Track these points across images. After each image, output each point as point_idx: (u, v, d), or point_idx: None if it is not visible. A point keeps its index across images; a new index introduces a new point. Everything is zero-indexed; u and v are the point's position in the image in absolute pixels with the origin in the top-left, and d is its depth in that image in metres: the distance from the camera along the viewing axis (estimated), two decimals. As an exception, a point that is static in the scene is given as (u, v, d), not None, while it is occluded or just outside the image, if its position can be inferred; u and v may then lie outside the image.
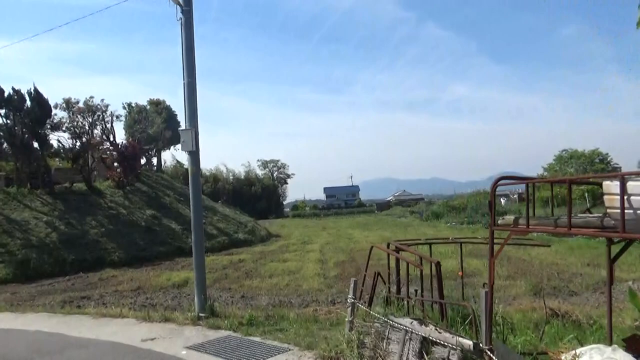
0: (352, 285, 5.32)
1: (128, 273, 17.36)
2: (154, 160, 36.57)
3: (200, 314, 7.51)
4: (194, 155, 7.75)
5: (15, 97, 22.19)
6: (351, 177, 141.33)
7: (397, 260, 6.28)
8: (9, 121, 22.45)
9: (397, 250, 6.28)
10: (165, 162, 36.17)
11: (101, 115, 25.63)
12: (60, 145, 24.46)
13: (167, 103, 36.69)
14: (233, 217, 31.52)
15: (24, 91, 22.55)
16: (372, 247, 7.14)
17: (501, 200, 58.62)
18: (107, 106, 25.81)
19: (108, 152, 27.12)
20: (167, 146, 35.57)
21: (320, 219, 74.92)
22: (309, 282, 12.90)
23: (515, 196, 69.97)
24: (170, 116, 35.38)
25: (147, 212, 25.54)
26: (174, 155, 51.29)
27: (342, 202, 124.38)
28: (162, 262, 20.60)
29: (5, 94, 22.07)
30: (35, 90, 22.88)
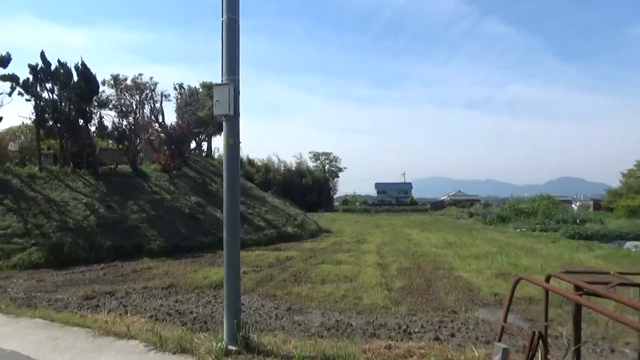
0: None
1: (164, 265, 15.62)
2: (204, 146, 35.20)
3: (230, 347, 5.29)
4: (232, 121, 5.52)
5: (62, 70, 21.09)
6: (404, 174, 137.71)
7: (578, 308, 3.46)
8: (54, 96, 21.41)
9: (580, 289, 3.30)
10: (217, 150, 34.82)
11: (149, 94, 24.27)
12: (106, 125, 23.29)
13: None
14: (282, 209, 29.54)
15: (70, 65, 21.43)
16: (517, 280, 4.08)
17: (573, 206, 53.77)
18: (155, 84, 24.43)
19: (155, 134, 25.80)
20: (217, 131, 34.06)
21: (372, 215, 72.71)
22: (370, 295, 10.49)
23: (590, 202, 64.36)
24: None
25: (191, 198, 23.96)
26: (217, 148, 50.76)
27: (393, 199, 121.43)
28: (203, 254, 18.85)
29: (52, 68, 20.99)
30: (83, 64, 21.71)
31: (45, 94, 21.30)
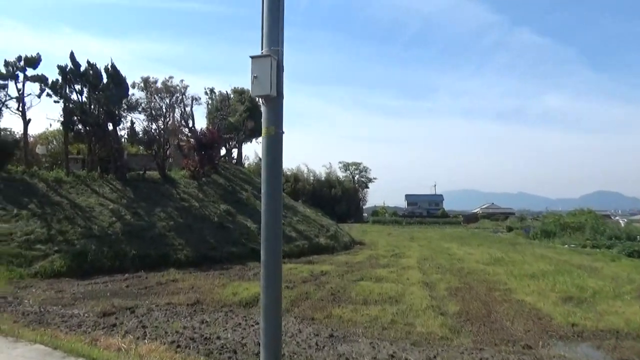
0: None
1: (191, 278, 14.51)
2: (234, 153, 34.32)
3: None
4: (274, 104, 4.27)
5: (91, 72, 20.51)
6: (434, 185, 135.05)
7: None
8: (83, 98, 20.84)
9: None
10: (247, 158, 33.96)
11: (180, 98, 23.51)
12: (136, 129, 22.58)
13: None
14: (314, 219, 28.27)
15: (100, 66, 20.83)
16: None
17: (619, 220, 50.63)
18: (186, 87, 23.65)
19: (185, 139, 25.01)
20: (248, 138, 33.22)
21: (403, 227, 70.86)
22: (423, 321, 9.04)
23: (631, 216, 60.79)
24: (254, 107, 32.92)
25: (221, 206, 22.94)
26: (256, 152, 48.83)
27: (424, 210, 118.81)
28: (232, 265, 17.73)
29: (81, 69, 20.43)
30: (113, 66, 21.11)
31: (74, 96, 20.76)
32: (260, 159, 52.70)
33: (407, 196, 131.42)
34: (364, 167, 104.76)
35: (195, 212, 21.48)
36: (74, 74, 20.34)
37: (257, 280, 14.25)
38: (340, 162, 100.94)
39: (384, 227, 63.83)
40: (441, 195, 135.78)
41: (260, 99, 4.31)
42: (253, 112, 31.85)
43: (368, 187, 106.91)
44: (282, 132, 4.26)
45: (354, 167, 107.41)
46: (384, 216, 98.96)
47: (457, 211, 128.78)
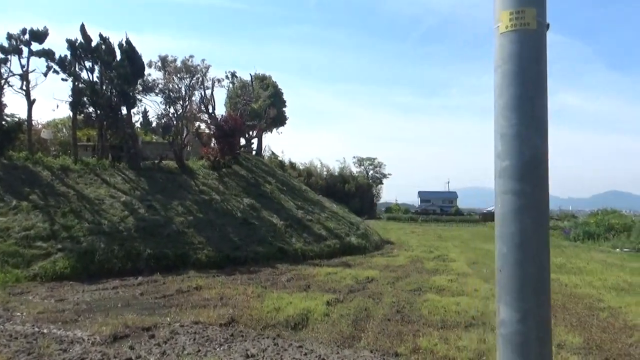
0: None
1: (216, 284, 12.24)
2: (254, 143, 31.86)
3: None
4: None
5: (103, 47, 18.19)
6: (448, 182, 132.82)
7: None
8: (94, 77, 18.57)
9: None
10: (268, 148, 31.67)
11: (200, 79, 21.11)
12: (150, 115, 20.30)
13: (273, 79, 32.17)
14: (343, 216, 25.91)
15: (113, 42, 18.51)
16: None
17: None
18: (207, 67, 21.21)
19: (205, 125, 22.76)
20: (269, 128, 30.83)
21: (420, 224, 68.87)
22: None
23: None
24: (276, 93, 30.66)
25: (244, 200, 20.65)
26: (269, 147, 46.15)
27: (437, 207, 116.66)
28: (260, 267, 15.48)
29: (93, 44, 18.12)
30: (128, 42, 18.79)
31: (84, 74, 18.50)
32: (272, 153, 48.90)
33: (420, 193, 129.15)
34: (379, 162, 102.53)
35: (216, 206, 19.20)
36: (84, 49, 18.04)
37: (296, 289, 11.96)
38: (354, 157, 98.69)
39: (401, 225, 61.83)
40: (455, 193, 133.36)
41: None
42: (276, 99, 29.49)
43: (382, 183, 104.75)
44: (547, 25, 1.85)
45: (368, 162, 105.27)
46: (398, 213, 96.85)
47: (469, 209, 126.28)
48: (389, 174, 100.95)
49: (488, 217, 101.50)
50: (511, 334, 1.75)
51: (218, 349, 6.98)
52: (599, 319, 9.41)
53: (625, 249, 27.06)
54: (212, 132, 22.86)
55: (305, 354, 6.73)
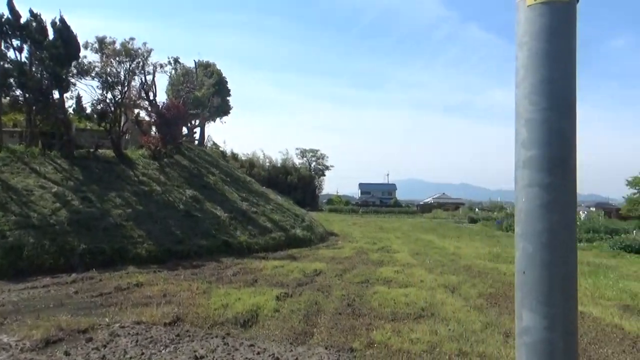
0: None
1: (159, 280, 11.67)
2: (197, 133, 30.70)
3: None
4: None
5: (34, 24, 16.71)
6: (387, 175, 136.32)
7: None
8: (23, 57, 17.06)
9: None
10: (210, 139, 30.63)
11: (141, 64, 19.95)
12: (84, 100, 18.96)
13: (218, 67, 31.10)
14: (288, 208, 25.66)
15: (46, 20, 17.04)
16: None
17: (580, 213, 51.10)
18: (149, 52, 20.06)
19: (145, 113, 21.64)
20: (213, 117, 29.86)
21: (361, 216, 70.46)
22: (496, 349, 6.78)
23: (592, 208, 61.86)
24: (221, 82, 29.66)
25: (187, 192, 19.90)
26: (210, 137, 44.79)
27: (376, 199, 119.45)
28: (204, 262, 14.97)
29: (22, 20, 16.58)
30: (62, 20, 17.35)
31: (11, 53, 16.92)
32: (214, 143, 47.70)
33: (361, 185, 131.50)
34: (321, 154, 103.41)
35: (157, 197, 18.36)
36: (11, 25, 16.44)
37: (243, 284, 11.64)
38: (297, 149, 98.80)
39: (343, 216, 62.82)
40: (394, 185, 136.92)
41: None
42: (220, 88, 28.57)
43: (324, 175, 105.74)
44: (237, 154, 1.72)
45: (311, 154, 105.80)
46: (339, 205, 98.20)
47: (407, 200, 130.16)
48: (332, 166, 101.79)
49: (425, 208, 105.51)
50: (537, 343, 1.61)
51: (163, 351, 6.59)
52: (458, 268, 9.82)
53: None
54: (153, 120, 21.79)
55: (258, 353, 6.50)
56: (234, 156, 73.68)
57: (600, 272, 13.90)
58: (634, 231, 28.87)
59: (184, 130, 26.14)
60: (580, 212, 50.61)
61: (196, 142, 29.18)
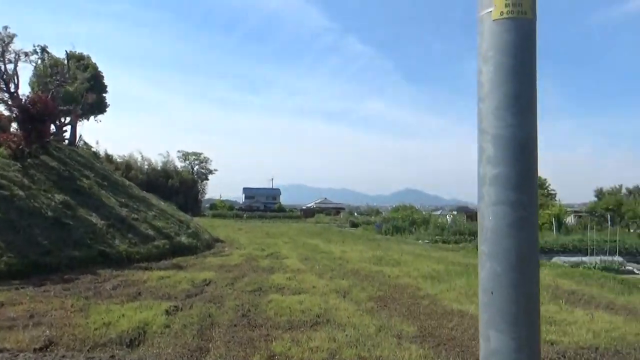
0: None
1: (23, 297, 10.28)
2: (67, 131, 27.66)
3: None
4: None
5: None
6: (272, 179, 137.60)
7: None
8: None
9: None
10: (82, 138, 27.80)
11: (1, 50, 17.37)
12: None
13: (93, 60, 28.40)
14: (171, 214, 24.38)
15: None
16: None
17: (447, 218, 56.00)
18: (12, 37, 17.54)
19: (5, 106, 18.97)
20: (87, 114, 27.21)
21: (246, 221, 70.19)
22: (392, 353, 7.04)
23: (454, 212, 67.89)
24: (97, 76, 27.11)
25: (56, 197, 17.88)
26: (81, 136, 40.88)
27: (261, 204, 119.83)
28: (78, 275, 13.55)
29: None
30: None
31: None
32: (85, 143, 43.90)
33: (245, 189, 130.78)
34: (205, 157, 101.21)
35: (19, 203, 16.20)
36: None
37: (125, 298, 10.72)
38: (179, 152, 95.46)
39: (227, 222, 62.04)
40: (279, 189, 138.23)
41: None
42: (95, 83, 26.17)
43: (208, 179, 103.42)
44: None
45: (194, 157, 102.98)
46: (223, 210, 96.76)
47: (291, 205, 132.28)
48: (215, 170, 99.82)
49: (308, 213, 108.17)
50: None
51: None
52: (424, 306, 10.47)
53: (426, 241, 31.16)
54: (14, 115, 19.20)
55: (151, 376, 5.97)
56: (109, 158, 68.40)
57: (470, 272, 15.26)
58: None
59: (52, 128, 23.47)
60: (447, 217, 55.56)
61: (66, 141, 26.39)
